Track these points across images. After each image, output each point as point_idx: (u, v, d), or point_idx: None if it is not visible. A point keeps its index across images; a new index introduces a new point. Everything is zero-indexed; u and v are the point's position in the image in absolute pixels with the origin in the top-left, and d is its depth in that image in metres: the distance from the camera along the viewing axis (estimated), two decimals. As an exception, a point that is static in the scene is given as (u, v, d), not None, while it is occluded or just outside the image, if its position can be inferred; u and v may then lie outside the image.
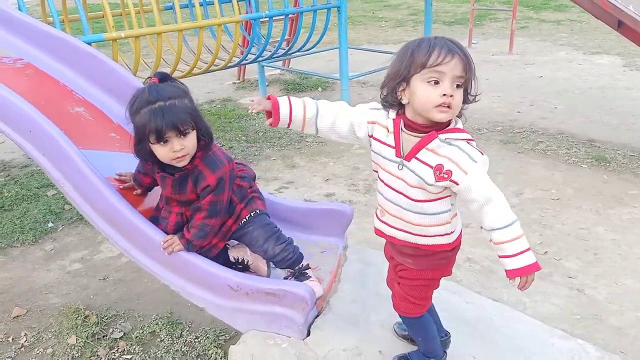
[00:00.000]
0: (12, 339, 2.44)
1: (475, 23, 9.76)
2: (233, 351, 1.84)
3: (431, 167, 1.40)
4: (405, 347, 1.75)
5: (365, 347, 1.79)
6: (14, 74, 2.27)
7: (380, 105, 1.52)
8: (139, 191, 2.07)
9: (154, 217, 1.97)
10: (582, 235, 3.16)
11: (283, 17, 4.79)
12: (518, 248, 1.41)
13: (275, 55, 5.14)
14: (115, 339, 2.40)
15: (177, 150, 1.66)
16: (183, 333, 2.41)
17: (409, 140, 1.44)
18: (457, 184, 1.39)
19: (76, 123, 2.17)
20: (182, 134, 1.65)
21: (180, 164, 1.72)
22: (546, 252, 2.99)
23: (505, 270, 1.45)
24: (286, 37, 5.42)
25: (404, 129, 1.44)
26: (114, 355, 2.30)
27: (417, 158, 1.42)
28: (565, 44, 8.68)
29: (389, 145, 1.47)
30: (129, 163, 1.98)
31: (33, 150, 1.89)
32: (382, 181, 1.51)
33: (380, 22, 11.25)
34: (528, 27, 10.18)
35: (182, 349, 2.31)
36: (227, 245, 1.99)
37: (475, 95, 1.40)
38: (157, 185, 2.04)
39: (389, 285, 1.74)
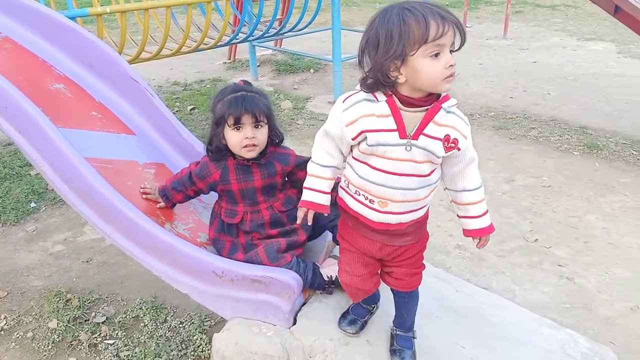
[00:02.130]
0: (-9, 322, 2.39)
1: (470, 6, 9.67)
2: (217, 339, 1.80)
3: (440, 139, 1.35)
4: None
5: (353, 337, 1.75)
6: (-9, 48, 2.18)
7: (351, 101, 1.39)
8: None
9: (215, 240, 1.93)
10: (572, 223, 3.13)
11: (275, -5, 4.69)
12: (483, 209, 1.49)
13: (266, 35, 5.03)
14: (98, 323, 2.35)
15: (249, 137, 1.76)
16: (167, 318, 2.36)
17: (412, 117, 1.35)
18: (460, 150, 1.38)
19: (55, 100, 2.08)
20: (257, 123, 1.77)
21: (249, 155, 1.81)
22: (536, 239, 2.97)
23: (467, 230, 1.52)
24: (278, 16, 5.30)
25: (402, 107, 1.35)
26: (96, 340, 2.25)
27: (424, 134, 1.34)
28: (560, 29, 8.63)
29: (389, 130, 1.35)
30: (110, 143, 1.91)
31: (9, 128, 1.81)
32: (384, 171, 1.39)
33: (374, 3, 11.11)
34: (523, 12, 10.11)
35: (166, 335, 2.27)
36: (316, 264, 1.94)
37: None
38: (186, 201, 2.02)
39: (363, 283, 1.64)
